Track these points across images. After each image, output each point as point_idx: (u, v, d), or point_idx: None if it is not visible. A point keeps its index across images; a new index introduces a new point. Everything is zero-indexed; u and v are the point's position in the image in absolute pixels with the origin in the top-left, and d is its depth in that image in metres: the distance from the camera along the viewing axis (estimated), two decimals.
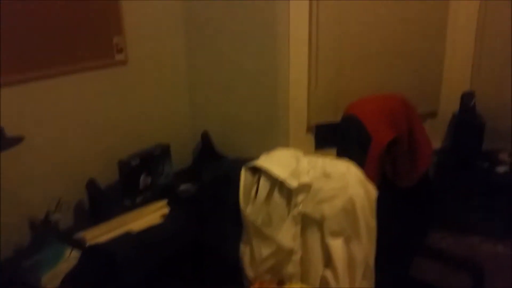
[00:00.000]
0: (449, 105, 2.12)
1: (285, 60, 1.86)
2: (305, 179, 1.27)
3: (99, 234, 1.42)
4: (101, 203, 1.55)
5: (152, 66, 1.87)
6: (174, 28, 1.95)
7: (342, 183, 1.26)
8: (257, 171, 1.33)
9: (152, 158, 1.71)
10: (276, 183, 1.29)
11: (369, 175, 1.51)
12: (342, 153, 1.65)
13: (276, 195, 1.29)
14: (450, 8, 2.04)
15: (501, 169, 1.99)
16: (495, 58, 2.07)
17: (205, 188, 1.61)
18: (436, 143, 2.11)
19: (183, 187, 1.70)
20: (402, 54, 2.02)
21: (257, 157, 1.40)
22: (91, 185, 1.55)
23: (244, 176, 1.31)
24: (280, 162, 1.31)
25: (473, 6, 2.05)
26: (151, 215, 1.54)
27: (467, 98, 2.02)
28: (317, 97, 1.97)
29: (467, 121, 2.01)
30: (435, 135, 2.12)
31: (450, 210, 1.94)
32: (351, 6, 1.89)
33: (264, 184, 1.29)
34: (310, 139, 2.02)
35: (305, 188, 1.27)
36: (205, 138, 1.97)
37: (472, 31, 2.07)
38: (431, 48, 2.07)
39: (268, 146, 1.54)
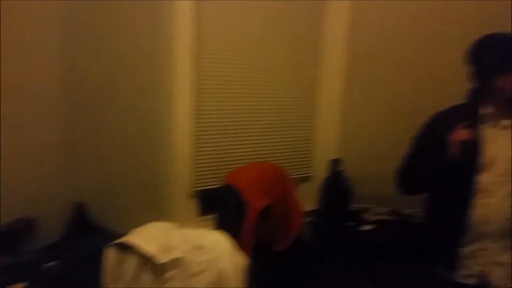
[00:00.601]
0: (321, 170, 2.34)
1: (167, 127, 1.90)
2: (175, 254, 1.26)
3: None
4: None
5: (22, 134, 1.75)
6: (50, 95, 1.87)
7: (212, 255, 1.28)
8: (126, 248, 1.28)
9: (12, 235, 1.55)
10: (146, 260, 1.25)
11: (245, 241, 1.57)
12: (219, 222, 1.70)
13: (146, 272, 1.25)
14: (319, 89, 2.34)
15: (366, 227, 2.21)
16: (359, 129, 2.38)
17: (71, 267, 1.49)
18: (311, 205, 2.27)
19: (48, 265, 1.56)
20: (279, 127, 2.27)
21: (137, 227, 1.36)
22: None
23: (111, 253, 1.25)
24: (150, 237, 1.29)
25: (337, 89, 2.35)
26: None
27: (334, 165, 2.25)
28: (200, 163, 2.02)
29: (335, 185, 2.22)
30: (310, 197, 2.30)
31: (324, 269, 2.07)
32: (229, 86, 2.05)
33: (132, 261, 1.25)
34: (193, 206, 2.04)
35: (175, 263, 1.26)
36: (79, 209, 1.86)
37: (338, 108, 2.38)
38: (304, 122, 2.36)
39: (150, 214, 1.50)
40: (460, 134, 1.50)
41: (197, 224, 1.92)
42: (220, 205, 1.73)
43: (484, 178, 1.55)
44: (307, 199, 2.23)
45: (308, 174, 2.40)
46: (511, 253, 1.56)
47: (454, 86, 1.72)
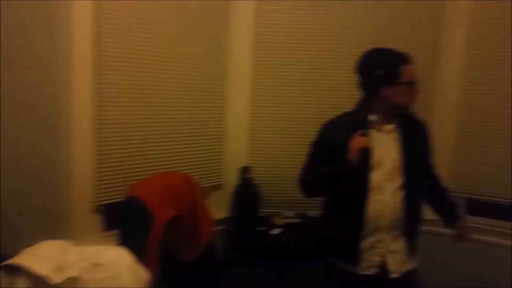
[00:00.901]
0: (232, 179, 2.38)
1: (66, 138, 1.79)
2: (71, 272, 1.20)
3: None
4: None
5: None
6: None
7: (112, 272, 1.23)
8: (15, 269, 1.18)
9: None
10: (38, 281, 1.17)
11: (152, 254, 1.53)
12: (123, 236, 1.64)
13: None
14: (227, 98, 2.40)
15: (275, 231, 2.29)
16: (267, 137, 2.48)
17: None
18: (223, 213, 2.29)
19: None
20: (187, 137, 2.26)
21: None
22: None
23: None
24: (42, 256, 1.20)
25: (245, 98, 2.43)
26: None
27: (243, 172, 2.30)
28: (103, 176, 1.94)
29: (244, 191, 2.28)
30: (222, 205, 2.32)
31: (235, 276, 2.09)
32: (133, 94, 2.00)
33: (22, 284, 1.16)
34: (97, 221, 1.94)
35: (71, 282, 1.19)
36: None
37: (247, 117, 2.45)
38: (213, 131, 2.40)
39: (50, 233, 1.41)
40: (358, 141, 1.63)
41: (101, 240, 1.84)
42: (124, 218, 1.67)
43: (375, 177, 1.71)
44: (219, 207, 2.26)
45: (219, 182, 2.43)
46: (403, 241, 1.74)
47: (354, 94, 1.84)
